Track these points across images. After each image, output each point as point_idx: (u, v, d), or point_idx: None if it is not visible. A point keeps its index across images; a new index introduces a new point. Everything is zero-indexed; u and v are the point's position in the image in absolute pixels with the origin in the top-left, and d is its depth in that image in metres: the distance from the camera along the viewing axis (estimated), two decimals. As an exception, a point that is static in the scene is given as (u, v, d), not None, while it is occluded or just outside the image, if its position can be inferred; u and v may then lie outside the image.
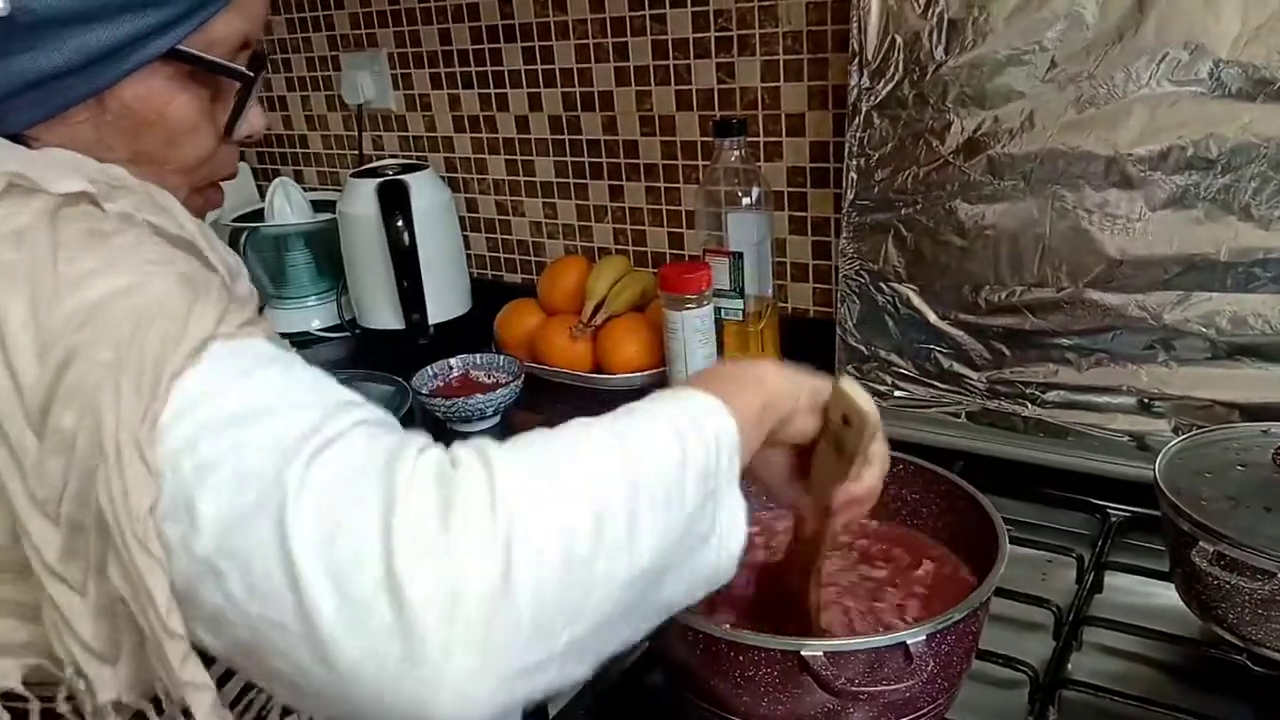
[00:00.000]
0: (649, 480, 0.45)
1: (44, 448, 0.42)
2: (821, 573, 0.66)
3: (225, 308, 0.45)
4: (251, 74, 0.58)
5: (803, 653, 0.57)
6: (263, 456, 0.40)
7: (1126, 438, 0.95)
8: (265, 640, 0.39)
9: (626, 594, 0.43)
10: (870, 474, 0.61)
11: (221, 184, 0.64)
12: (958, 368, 1.04)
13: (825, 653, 0.57)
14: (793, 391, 0.57)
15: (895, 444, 0.85)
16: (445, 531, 0.38)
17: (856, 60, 1.02)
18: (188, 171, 0.58)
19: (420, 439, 0.43)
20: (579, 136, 1.37)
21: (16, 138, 0.52)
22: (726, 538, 0.50)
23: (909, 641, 0.58)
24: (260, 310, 0.66)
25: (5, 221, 0.44)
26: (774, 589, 0.70)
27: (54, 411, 0.42)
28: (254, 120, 0.61)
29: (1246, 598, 0.67)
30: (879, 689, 0.57)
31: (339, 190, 1.46)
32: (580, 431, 0.46)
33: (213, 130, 0.58)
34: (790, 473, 0.63)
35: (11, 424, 0.42)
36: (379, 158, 1.58)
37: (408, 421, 1.18)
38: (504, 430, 1.15)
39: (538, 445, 0.45)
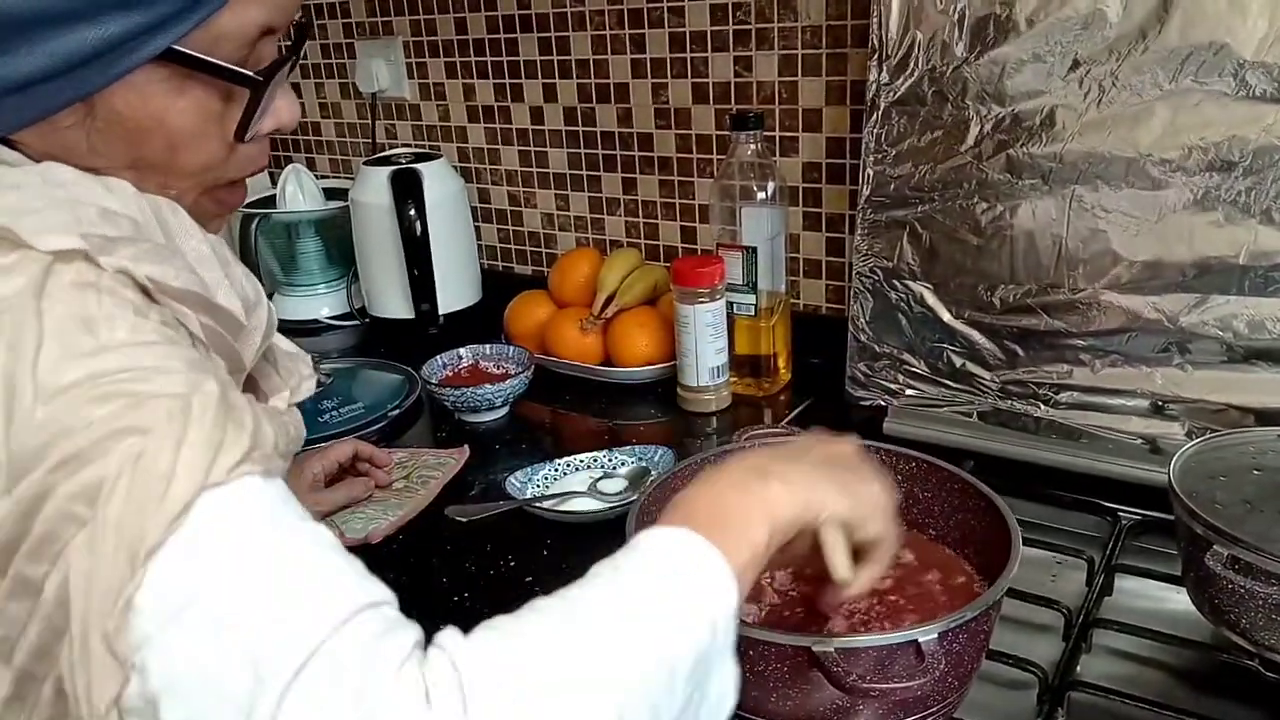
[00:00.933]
0: (633, 695, 0.42)
1: (6, 587, 0.39)
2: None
3: (223, 436, 0.41)
4: (260, 78, 0.51)
5: (814, 649, 0.57)
6: (234, 679, 0.37)
7: (1139, 440, 0.94)
8: None
9: None
10: (868, 575, 0.59)
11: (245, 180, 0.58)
12: (970, 367, 1.03)
13: (837, 649, 0.56)
14: (799, 516, 0.54)
15: (906, 443, 0.85)
16: None
17: (876, 56, 1.01)
18: (195, 175, 0.53)
19: (396, 649, 0.39)
20: (593, 128, 1.37)
21: (6, 143, 0.48)
22: (716, 707, 0.48)
23: (921, 639, 0.57)
24: (270, 296, 0.62)
25: None
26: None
27: (21, 556, 0.39)
28: (282, 114, 0.55)
29: (1260, 603, 0.66)
30: (890, 686, 0.56)
31: (351, 178, 1.46)
32: (565, 639, 0.42)
33: (223, 134, 0.52)
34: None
35: None
36: (392, 146, 1.58)
37: (416, 411, 1.19)
38: (512, 421, 1.15)
39: (520, 658, 0.41)
